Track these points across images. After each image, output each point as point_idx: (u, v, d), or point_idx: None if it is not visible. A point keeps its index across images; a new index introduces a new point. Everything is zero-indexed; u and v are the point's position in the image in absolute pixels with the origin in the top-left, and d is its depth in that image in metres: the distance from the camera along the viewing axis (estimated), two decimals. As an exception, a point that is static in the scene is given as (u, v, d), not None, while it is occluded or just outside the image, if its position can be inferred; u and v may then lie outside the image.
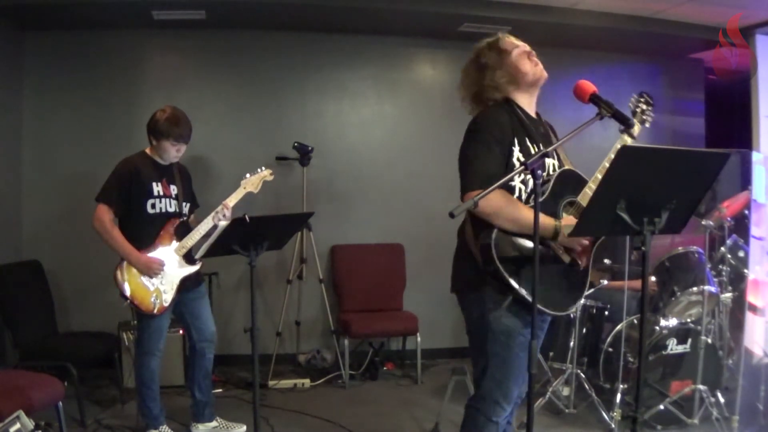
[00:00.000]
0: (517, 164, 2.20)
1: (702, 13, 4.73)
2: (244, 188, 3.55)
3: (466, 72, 2.43)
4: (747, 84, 4.93)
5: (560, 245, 2.19)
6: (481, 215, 2.15)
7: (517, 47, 2.36)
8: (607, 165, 2.14)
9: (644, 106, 2.29)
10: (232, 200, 3.49)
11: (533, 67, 2.33)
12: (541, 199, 2.14)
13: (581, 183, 2.23)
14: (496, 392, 2.24)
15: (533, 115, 2.40)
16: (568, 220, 2.15)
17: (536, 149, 2.26)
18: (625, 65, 5.55)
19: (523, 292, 2.10)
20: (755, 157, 4.17)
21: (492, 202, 2.09)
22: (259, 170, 3.61)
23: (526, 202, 2.22)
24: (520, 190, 2.22)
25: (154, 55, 5.00)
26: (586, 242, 2.20)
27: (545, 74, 2.37)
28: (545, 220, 2.13)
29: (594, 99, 2.16)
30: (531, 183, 2.21)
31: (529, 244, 2.13)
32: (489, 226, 2.14)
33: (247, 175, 3.58)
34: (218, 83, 5.04)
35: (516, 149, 2.22)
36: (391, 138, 5.27)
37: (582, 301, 2.32)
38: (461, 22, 4.82)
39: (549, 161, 2.31)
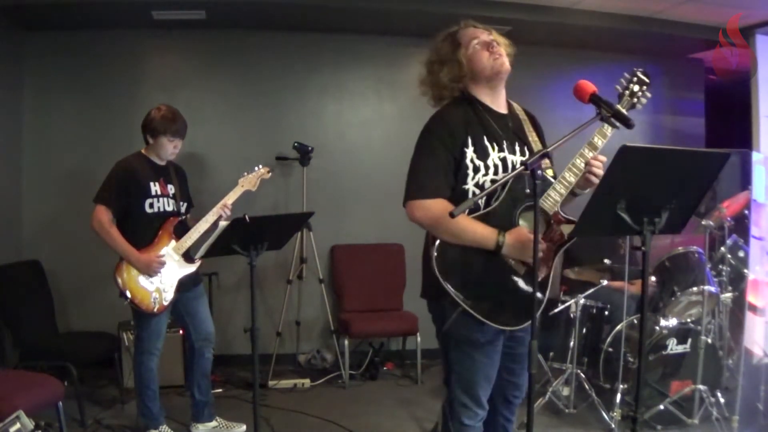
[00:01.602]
0: (470, 165, 2.10)
1: (702, 13, 4.73)
2: (242, 186, 3.56)
3: (425, 65, 2.30)
4: (747, 84, 4.93)
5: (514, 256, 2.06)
6: (422, 226, 2.08)
7: (476, 38, 2.21)
8: (579, 162, 2.07)
9: (637, 87, 2.08)
10: (230, 198, 3.50)
11: (491, 61, 2.17)
12: (492, 206, 2.06)
13: (545, 184, 2.08)
14: (463, 396, 2.20)
15: (500, 109, 2.25)
16: (517, 233, 2.02)
17: (496, 148, 2.14)
18: (625, 65, 5.47)
19: (469, 306, 2.01)
20: (755, 157, 4.17)
21: (429, 211, 2.03)
22: (256, 168, 3.62)
23: (486, 206, 2.09)
24: (473, 193, 2.10)
25: (154, 55, 4.99)
26: (540, 253, 1.99)
27: (506, 67, 2.19)
28: (485, 232, 2.02)
29: (594, 99, 2.07)
30: (487, 185, 2.09)
31: (475, 255, 2.04)
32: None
33: (245, 174, 3.59)
34: (218, 83, 5.04)
35: (469, 150, 2.11)
36: (391, 138, 5.27)
37: (537, 314, 2.16)
38: (461, 22, 4.82)
39: (513, 158, 2.15)
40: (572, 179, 2.07)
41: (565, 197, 2.10)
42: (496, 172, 2.13)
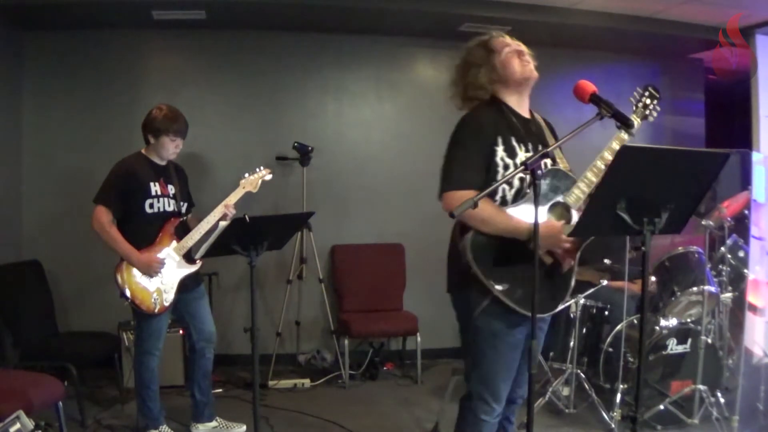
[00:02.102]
0: (500, 163, 2.22)
1: (702, 13, 4.73)
2: (243, 188, 3.56)
3: (455, 69, 2.44)
4: (747, 84, 4.93)
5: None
6: (457, 217, 2.17)
7: (508, 46, 2.34)
8: (600, 164, 2.17)
9: (648, 100, 2.23)
10: (231, 200, 3.49)
11: (522, 67, 2.32)
12: (521, 202, 2.19)
13: (570, 184, 2.22)
14: (484, 391, 2.26)
15: (525, 114, 2.39)
16: (547, 223, 2.14)
17: (523, 149, 2.26)
18: (625, 65, 5.54)
19: (500, 293, 2.10)
20: (755, 157, 4.17)
21: (462, 201, 2.10)
22: (258, 170, 3.62)
23: (513, 201, 2.22)
24: (503, 189, 2.23)
25: (154, 55, 4.99)
26: (567, 245, 2.16)
27: (535, 74, 2.35)
28: (518, 224, 2.13)
29: (594, 99, 2.15)
30: (515, 183, 2.24)
31: (506, 245, 2.13)
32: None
33: (246, 175, 3.59)
34: (218, 83, 5.04)
35: (499, 149, 2.23)
36: (391, 138, 5.27)
37: (562, 305, 2.30)
38: (461, 22, 4.82)
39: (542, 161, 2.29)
40: (594, 179, 2.17)
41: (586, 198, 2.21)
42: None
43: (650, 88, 2.24)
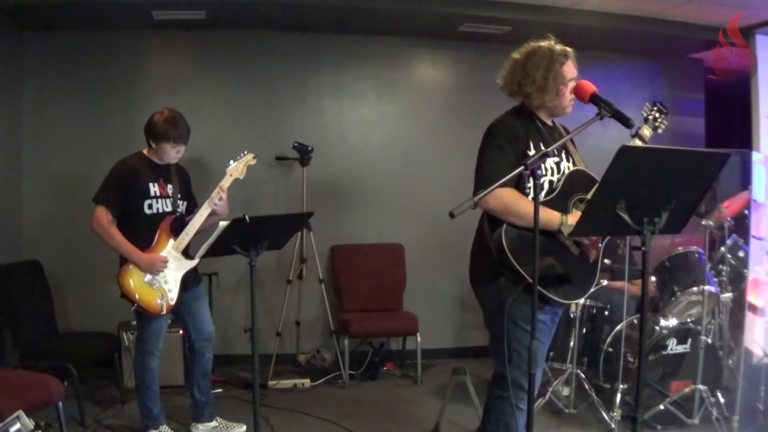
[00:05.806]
0: None
1: (702, 13, 4.73)
2: (230, 175, 3.48)
3: (511, 62, 2.48)
4: (747, 84, 4.92)
5: (569, 238, 2.29)
6: (491, 212, 2.30)
7: (571, 78, 2.41)
8: None
9: (657, 114, 2.41)
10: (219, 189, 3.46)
11: (569, 101, 2.43)
12: (549, 197, 2.31)
13: (592, 182, 2.33)
14: (523, 379, 2.32)
15: (548, 122, 2.52)
16: (575, 216, 2.23)
17: (552, 155, 2.37)
18: (625, 65, 5.54)
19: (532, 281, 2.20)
20: (755, 157, 4.16)
21: (500, 199, 2.25)
22: (242, 154, 3.54)
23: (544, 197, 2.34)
24: (532, 189, 2.30)
25: (154, 55, 4.99)
26: (594, 237, 2.30)
27: (567, 112, 2.48)
28: (551, 214, 2.26)
29: (594, 99, 2.21)
30: (545, 186, 2.35)
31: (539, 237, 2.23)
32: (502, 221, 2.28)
33: (231, 162, 3.51)
34: (218, 83, 5.04)
35: (531, 153, 2.33)
36: (391, 138, 5.27)
37: (591, 291, 2.49)
38: (461, 22, 4.82)
39: (563, 163, 2.43)
40: None
41: None
42: (552, 174, 2.38)
43: (658, 104, 2.43)
